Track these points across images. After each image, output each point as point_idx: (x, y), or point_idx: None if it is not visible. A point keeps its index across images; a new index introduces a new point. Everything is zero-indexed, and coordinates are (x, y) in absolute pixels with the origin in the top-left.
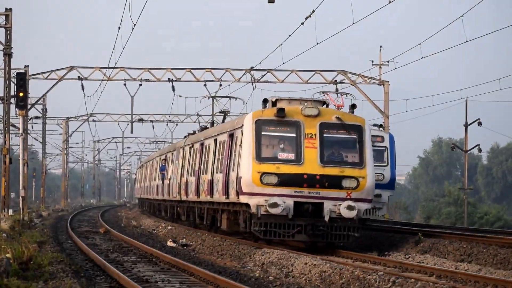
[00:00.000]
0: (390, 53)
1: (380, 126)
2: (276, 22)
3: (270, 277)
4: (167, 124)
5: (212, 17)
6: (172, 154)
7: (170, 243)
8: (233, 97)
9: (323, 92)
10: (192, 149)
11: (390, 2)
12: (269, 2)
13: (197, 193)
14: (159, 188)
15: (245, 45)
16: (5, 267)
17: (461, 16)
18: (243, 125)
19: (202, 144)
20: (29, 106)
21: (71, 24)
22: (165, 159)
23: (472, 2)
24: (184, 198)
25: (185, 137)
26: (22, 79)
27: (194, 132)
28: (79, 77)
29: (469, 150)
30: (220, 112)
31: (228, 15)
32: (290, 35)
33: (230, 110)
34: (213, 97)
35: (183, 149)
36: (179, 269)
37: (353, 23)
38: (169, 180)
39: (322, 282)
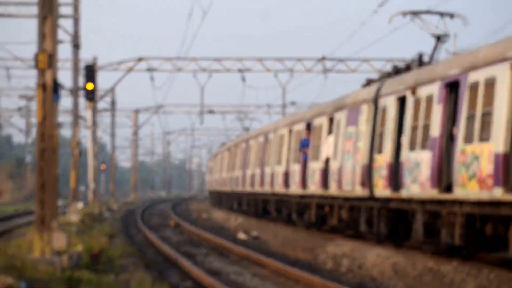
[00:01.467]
0: (464, 41)
1: None
2: (349, 9)
3: (342, 269)
4: (237, 116)
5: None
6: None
7: (241, 235)
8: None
9: None
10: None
11: None
12: None
13: None
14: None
15: (317, 33)
16: (76, 260)
17: None
18: None
19: None
20: (98, 99)
21: (140, 14)
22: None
23: None
24: None
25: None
26: (90, 71)
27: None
28: (148, 68)
29: None
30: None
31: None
32: (363, 23)
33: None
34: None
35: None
36: (251, 262)
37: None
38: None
39: (395, 274)
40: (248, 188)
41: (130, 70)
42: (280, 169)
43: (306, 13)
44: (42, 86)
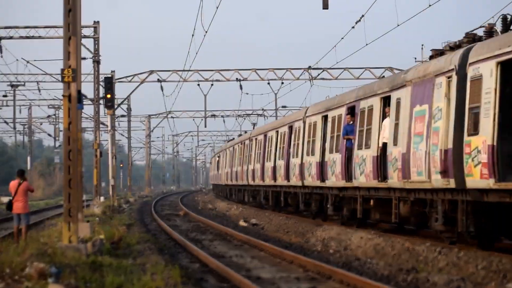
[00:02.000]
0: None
1: None
2: (330, 25)
3: (330, 250)
4: (236, 119)
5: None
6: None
7: (242, 223)
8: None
9: None
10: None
11: (430, 5)
12: (323, 8)
13: None
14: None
15: (303, 46)
16: (99, 246)
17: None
18: None
19: None
20: (115, 106)
21: (151, 33)
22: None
23: None
24: None
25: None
26: (109, 83)
27: None
28: (158, 79)
29: None
30: None
31: (287, 17)
32: (342, 38)
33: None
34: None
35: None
36: (250, 245)
37: (398, 25)
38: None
39: (377, 253)
40: (269, 181)
41: (143, 81)
42: (313, 159)
43: (294, 29)
44: (68, 97)
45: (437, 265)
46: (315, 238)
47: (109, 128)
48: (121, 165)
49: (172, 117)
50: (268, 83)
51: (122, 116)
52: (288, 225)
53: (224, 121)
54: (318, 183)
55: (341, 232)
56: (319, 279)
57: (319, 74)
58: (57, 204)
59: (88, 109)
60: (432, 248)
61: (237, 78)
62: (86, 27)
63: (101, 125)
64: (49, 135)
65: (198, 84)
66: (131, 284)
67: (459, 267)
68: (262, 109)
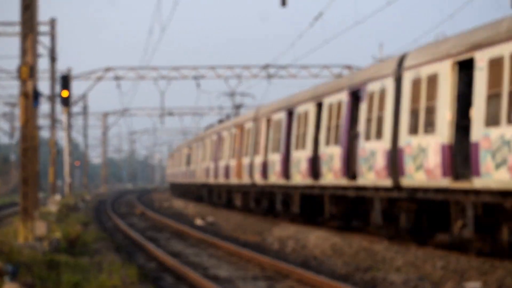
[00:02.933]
0: (391, 49)
1: None
2: (288, 22)
3: (288, 249)
4: (193, 116)
5: (231, 18)
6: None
7: (198, 221)
8: (246, 95)
9: None
10: None
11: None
12: (282, 5)
13: None
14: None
15: (261, 44)
16: (55, 245)
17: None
18: None
19: None
20: (72, 104)
21: (107, 28)
22: None
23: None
24: None
25: None
26: (65, 80)
27: None
28: (115, 77)
29: None
30: None
31: (244, 16)
32: (299, 37)
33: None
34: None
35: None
36: (208, 244)
37: (357, 22)
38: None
39: (334, 252)
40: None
41: (99, 78)
42: (304, 154)
43: (251, 26)
44: (24, 94)
45: (395, 264)
46: (273, 237)
47: (65, 126)
48: (77, 164)
49: (129, 114)
50: (226, 81)
51: (79, 114)
52: (245, 224)
53: (181, 119)
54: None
55: (298, 231)
56: (276, 278)
57: (277, 72)
58: (13, 202)
59: (44, 107)
60: (390, 247)
61: (194, 76)
62: (43, 24)
63: (57, 123)
64: (5, 132)
65: (155, 82)
66: (88, 282)
67: (417, 266)
68: (219, 107)
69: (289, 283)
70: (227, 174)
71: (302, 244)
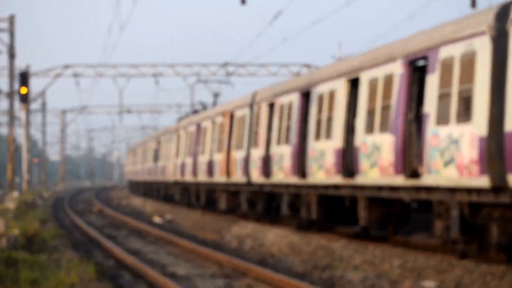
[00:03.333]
0: (349, 48)
1: None
2: (247, 20)
3: (246, 247)
4: (151, 114)
5: (189, 14)
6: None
7: (156, 219)
8: (224, 82)
9: None
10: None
11: (347, 2)
12: (241, 3)
13: None
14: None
15: (220, 42)
16: (13, 242)
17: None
18: None
19: None
20: (30, 101)
21: (67, 26)
22: None
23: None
24: None
25: None
26: (24, 77)
27: None
28: (74, 74)
29: None
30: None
31: (203, 14)
32: (258, 35)
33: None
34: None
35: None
36: (166, 242)
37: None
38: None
39: (292, 251)
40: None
41: (58, 76)
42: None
43: (211, 21)
44: None
45: (353, 263)
46: (231, 235)
47: (24, 123)
48: (35, 161)
49: (87, 112)
50: (184, 79)
51: (37, 111)
52: (204, 222)
53: (139, 116)
54: (224, 178)
55: (256, 229)
56: (234, 276)
57: (236, 70)
58: None
59: (2, 104)
60: (348, 246)
61: (153, 74)
62: (1, 20)
63: (15, 120)
64: None
65: (114, 80)
66: (46, 279)
67: (375, 265)
68: (177, 105)
69: (247, 281)
70: (210, 171)
71: (260, 242)
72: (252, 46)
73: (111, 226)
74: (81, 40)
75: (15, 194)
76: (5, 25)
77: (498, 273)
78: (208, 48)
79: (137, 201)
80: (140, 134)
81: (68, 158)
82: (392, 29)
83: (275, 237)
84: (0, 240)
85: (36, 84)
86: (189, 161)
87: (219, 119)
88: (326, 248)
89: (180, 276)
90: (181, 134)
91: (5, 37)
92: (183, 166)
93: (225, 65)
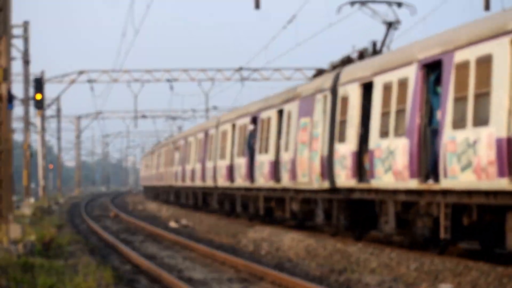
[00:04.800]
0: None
1: None
2: (261, 24)
3: (262, 251)
4: (166, 120)
5: (203, 20)
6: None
7: (172, 224)
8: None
9: None
10: None
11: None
12: (255, 8)
13: None
14: None
15: (234, 46)
16: (30, 247)
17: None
18: None
19: None
20: (45, 107)
21: (81, 31)
22: None
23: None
24: None
25: None
26: (39, 83)
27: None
28: (88, 80)
29: None
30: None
31: (218, 17)
32: (273, 38)
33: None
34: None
35: None
36: (182, 246)
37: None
38: None
39: (308, 254)
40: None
41: (73, 81)
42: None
43: (223, 27)
44: None
45: (369, 266)
46: (247, 239)
47: (39, 129)
48: (50, 167)
49: (102, 117)
50: (199, 84)
51: (52, 116)
52: (219, 226)
53: (154, 121)
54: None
55: (272, 233)
56: (251, 280)
57: (250, 75)
58: None
59: (17, 110)
60: (364, 249)
61: (167, 79)
62: (16, 26)
63: (30, 126)
64: None
65: (128, 85)
66: (63, 285)
67: (391, 268)
68: (193, 110)
69: (264, 285)
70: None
71: (277, 246)
72: (266, 51)
73: (127, 231)
74: (95, 46)
75: (31, 200)
76: (19, 31)
77: None
78: (222, 53)
79: (152, 206)
80: (155, 140)
81: (83, 163)
82: (404, 33)
83: (291, 241)
84: (16, 246)
85: (50, 90)
86: (216, 164)
87: (243, 122)
88: (343, 251)
89: (197, 280)
90: (198, 138)
91: (20, 43)
92: (209, 170)
93: (239, 69)
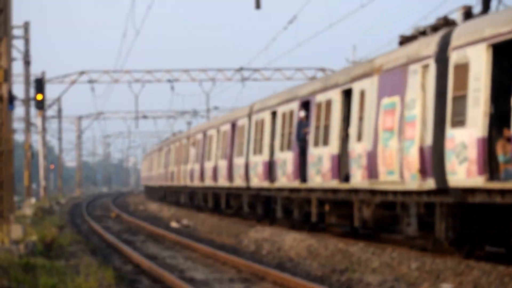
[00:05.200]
0: (364, 51)
1: None
2: (262, 25)
3: (263, 251)
4: (167, 120)
5: (203, 20)
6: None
7: (173, 224)
8: None
9: None
10: None
11: (362, 6)
12: (256, 8)
13: None
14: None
15: (235, 46)
16: (31, 248)
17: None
18: None
19: None
20: (46, 107)
21: (81, 32)
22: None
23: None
24: None
25: None
26: (40, 84)
27: None
28: (89, 80)
29: None
30: None
31: (218, 17)
32: (274, 38)
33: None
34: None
35: None
36: (183, 247)
37: (330, 25)
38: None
39: (310, 254)
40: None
41: (73, 82)
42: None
43: (224, 27)
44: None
45: (371, 266)
46: (248, 239)
47: (40, 130)
48: (51, 167)
49: (103, 118)
50: (200, 84)
51: (53, 117)
52: (220, 226)
53: (155, 122)
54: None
55: (274, 233)
56: (252, 280)
57: (251, 75)
58: None
59: (18, 111)
60: (365, 249)
61: (168, 79)
62: (16, 27)
63: (31, 126)
64: None
65: (129, 85)
66: (65, 285)
67: (393, 268)
68: (194, 110)
69: (265, 285)
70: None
71: (278, 246)
72: (267, 51)
73: (129, 232)
74: (96, 46)
75: (32, 200)
76: (20, 32)
77: None
78: (222, 53)
79: (154, 207)
80: (156, 140)
81: (84, 164)
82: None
83: (293, 241)
84: (18, 246)
85: (51, 91)
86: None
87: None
88: (344, 251)
89: (198, 280)
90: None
91: (21, 44)
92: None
93: (240, 70)
